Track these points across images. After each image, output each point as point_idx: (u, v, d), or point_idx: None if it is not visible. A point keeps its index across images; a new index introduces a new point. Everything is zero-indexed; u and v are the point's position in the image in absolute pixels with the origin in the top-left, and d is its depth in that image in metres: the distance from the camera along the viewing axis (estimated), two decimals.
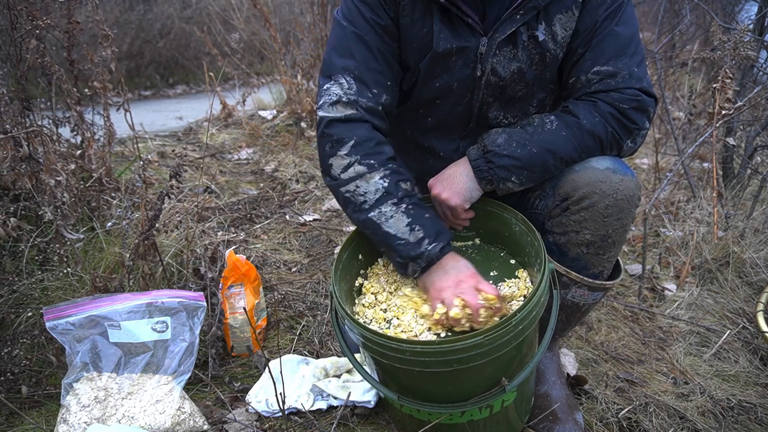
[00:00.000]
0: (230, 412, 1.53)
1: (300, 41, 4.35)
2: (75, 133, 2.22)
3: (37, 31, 1.89)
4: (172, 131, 4.27)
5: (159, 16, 6.94)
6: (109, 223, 2.02)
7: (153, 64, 6.96)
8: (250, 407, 1.54)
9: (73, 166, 2.06)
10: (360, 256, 1.44)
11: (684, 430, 1.54)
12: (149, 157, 3.38)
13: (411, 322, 1.30)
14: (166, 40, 6.93)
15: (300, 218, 2.79)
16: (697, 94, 3.70)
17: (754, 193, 2.57)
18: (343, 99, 1.33)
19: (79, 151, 2.18)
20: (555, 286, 1.32)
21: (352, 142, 1.31)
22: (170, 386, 1.49)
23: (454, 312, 1.22)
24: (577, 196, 1.31)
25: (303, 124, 3.96)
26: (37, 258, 1.85)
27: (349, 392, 1.52)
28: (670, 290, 2.24)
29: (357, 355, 1.37)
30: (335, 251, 2.43)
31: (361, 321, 1.32)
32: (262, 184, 3.24)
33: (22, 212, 1.86)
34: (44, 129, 2.01)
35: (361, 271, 1.45)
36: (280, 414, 1.51)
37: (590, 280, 1.40)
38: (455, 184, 1.38)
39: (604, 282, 1.43)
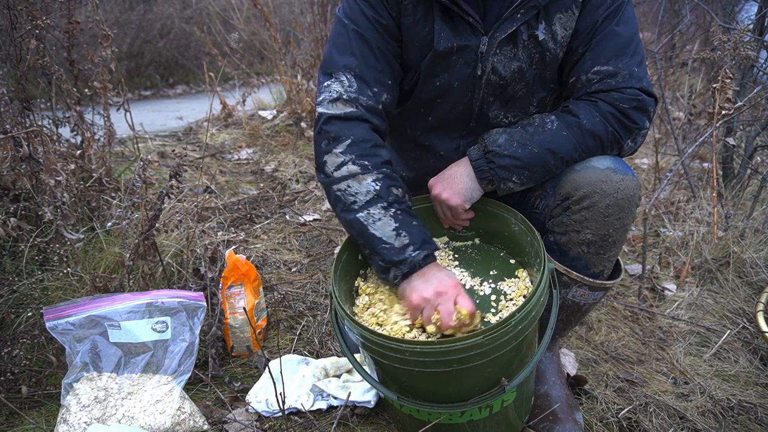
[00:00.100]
0: (230, 412, 1.53)
1: (300, 41, 4.35)
2: (75, 133, 2.22)
3: (37, 31, 1.89)
4: (172, 131, 4.27)
5: (159, 16, 6.94)
6: (109, 223, 2.02)
7: (153, 64, 6.96)
8: (250, 407, 1.54)
9: (73, 166, 2.06)
10: (359, 257, 1.44)
11: (684, 430, 1.54)
12: (149, 157, 3.38)
13: (397, 325, 1.30)
14: (166, 40, 6.93)
15: (300, 218, 2.79)
16: (697, 94, 3.70)
17: (754, 193, 2.57)
18: (344, 96, 1.33)
19: (79, 151, 2.17)
20: (555, 285, 1.32)
21: (348, 141, 1.31)
22: (170, 386, 1.49)
23: (429, 329, 1.23)
24: (577, 195, 1.31)
25: (303, 124, 3.96)
26: (37, 258, 1.85)
27: (349, 392, 1.52)
28: (670, 290, 2.24)
29: (357, 355, 1.37)
30: (335, 251, 2.43)
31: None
32: (262, 184, 3.24)
33: (22, 212, 1.86)
34: (44, 129, 2.01)
35: (361, 272, 1.45)
36: (280, 414, 1.51)
37: (590, 279, 1.40)
38: (456, 184, 1.38)
39: (604, 282, 1.43)
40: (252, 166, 3.53)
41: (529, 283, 1.36)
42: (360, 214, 1.28)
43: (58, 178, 1.74)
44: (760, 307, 1.97)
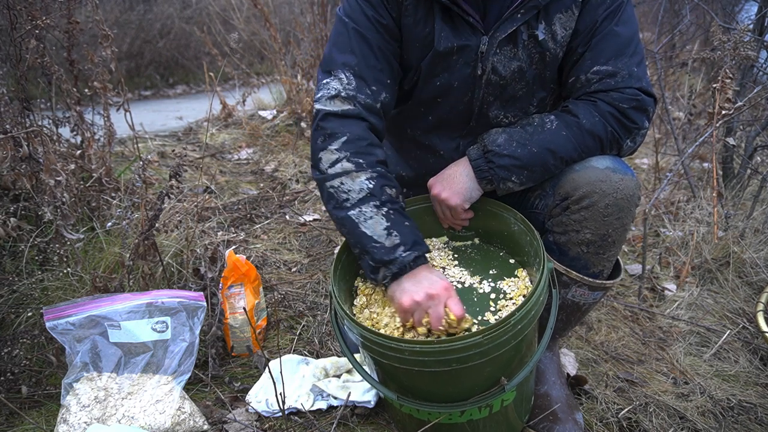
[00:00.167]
0: (230, 412, 1.53)
1: (300, 41, 4.35)
2: (75, 133, 2.22)
3: (37, 31, 1.89)
4: (172, 131, 4.27)
5: (159, 16, 6.95)
6: (109, 223, 2.02)
7: (153, 64, 6.96)
8: (250, 407, 1.54)
9: (73, 166, 2.06)
10: None
11: (684, 430, 1.54)
12: (149, 157, 3.38)
13: (387, 327, 1.30)
14: (166, 40, 6.93)
15: (300, 218, 2.79)
16: (697, 94, 3.70)
17: (754, 193, 2.57)
18: (342, 94, 1.33)
19: (79, 151, 2.18)
20: (554, 285, 1.32)
21: (344, 138, 1.30)
22: (170, 386, 1.49)
23: (420, 330, 1.23)
24: (577, 195, 1.31)
25: (303, 124, 3.96)
26: (37, 258, 1.85)
27: (349, 392, 1.52)
28: (670, 290, 2.24)
29: (357, 355, 1.37)
30: (335, 251, 2.43)
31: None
32: (262, 184, 3.24)
33: (22, 212, 1.86)
34: (44, 129, 2.01)
35: (360, 272, 1.45)
36: (280, 414, 1.51)
37: (590, 279, 1.40)
38: (455, 183, 1.38)
39: (604, 281, 1.43)
40: (252, 166, 3.53)
41: (529, 283, 1.36)
42: (352, 212, 1.27)
43: (58, 178, 1.74)
44: (760, 307, 1.97)
